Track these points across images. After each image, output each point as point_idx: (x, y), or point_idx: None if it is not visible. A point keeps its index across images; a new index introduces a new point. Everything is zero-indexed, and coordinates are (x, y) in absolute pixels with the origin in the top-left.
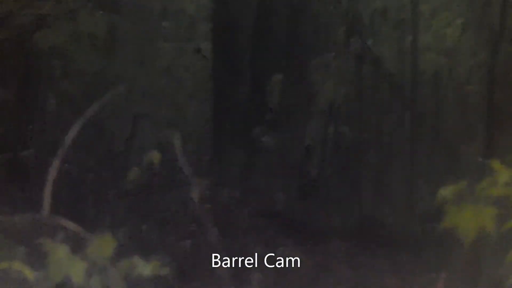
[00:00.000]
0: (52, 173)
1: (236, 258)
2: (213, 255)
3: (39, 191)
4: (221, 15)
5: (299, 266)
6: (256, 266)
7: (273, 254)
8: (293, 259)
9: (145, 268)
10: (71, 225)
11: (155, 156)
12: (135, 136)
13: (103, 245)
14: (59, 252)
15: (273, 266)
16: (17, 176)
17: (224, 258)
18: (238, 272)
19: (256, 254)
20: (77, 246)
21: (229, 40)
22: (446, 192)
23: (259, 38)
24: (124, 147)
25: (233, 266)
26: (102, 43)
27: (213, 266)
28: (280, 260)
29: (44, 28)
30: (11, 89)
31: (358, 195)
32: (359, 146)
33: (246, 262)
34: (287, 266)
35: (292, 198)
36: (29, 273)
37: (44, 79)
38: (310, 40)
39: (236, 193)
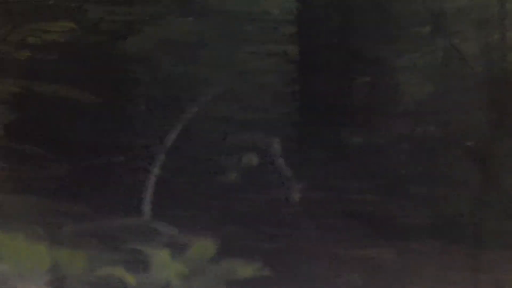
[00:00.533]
0: (152, 178)
1: (329, 259)
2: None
3: (134, 197)
4: (306, 17)
5: (390, 266)
6: (348, 266)
7: (364, 254)
8: (384, 259)
9: (245, 270)
10: (171, 230)
11: (253, 158)
12: (226, 139)
13: (202, 248)
14: (161, 256)
15: (365, 266)
16: (109, 182)
17: (318, 259)
18: (331, 272)
19: (347, 255)
20: (177, 250)
21: (315, 43)
22: None
23: (345, 39)
24: (216, 150)
25: (326, 267)
26: (189, 48)
27: (309, 267)
28: (372, 260)
29: (133, 34)
30: (101, 94)
31: (446, 194)
32: (446, 145)
33: (338, 262)
34: (378, 266)
35: (382, 198)
36: (131, 278)
37: (133, 84)
38: (396, 39)
39: (325, 194)
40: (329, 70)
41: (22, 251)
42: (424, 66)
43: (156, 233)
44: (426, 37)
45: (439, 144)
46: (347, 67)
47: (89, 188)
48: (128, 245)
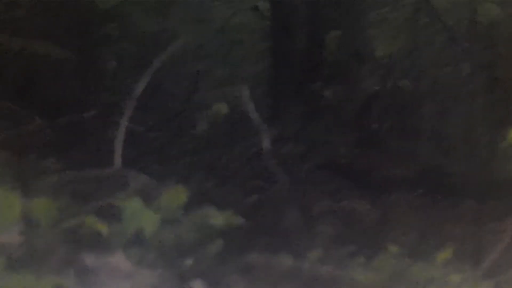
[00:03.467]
0: (121, 129)
1: (302, 211)
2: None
3: (106, 150)
4: None
5: (363, 217)
6: (321, 218)
7: (337, 206)
8: (357, 211)
9: (218, 218)
10: (142, 178)
11: (222, 107)
12: (195, 92)
13: (174, 196)
14: (132, 205)
15: (338, 218)
16: (81, 137)
17: (291, 211)
18: (305, 224)
19: (321, 206)
20: (148, 198)
21: None
22: None
23: None
24: (186, 103)
25: (300, 218)
26: (159, 3)
27: (281, 219)
28: (346, 212)
29: None
30: (71, 50)
31: (418, 146)
32: (417, 98)
33: (312, 214)
34: (353, 218)
35: (353, 151)
36: (103, 227)
37: (104, 40)
38: None
39: (298, 147)
40: (301, 25)
41: None
42: (395, 20)
43: (127, 183)
44: None
45: (410, 98)
46: (318, 22)
47: (60, 142)
48: (99, 195)
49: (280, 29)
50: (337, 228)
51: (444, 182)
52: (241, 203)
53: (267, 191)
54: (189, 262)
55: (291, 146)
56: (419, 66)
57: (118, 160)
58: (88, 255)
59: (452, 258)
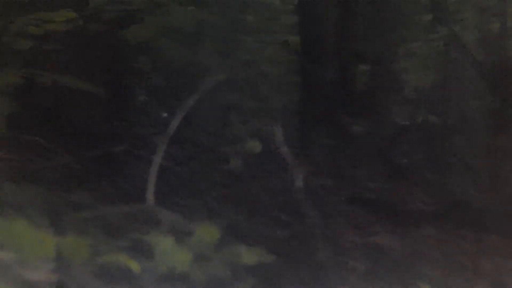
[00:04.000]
0: (154, 166)
1: (332, 246)
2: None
3: (137, 185)
4: (307, 7)
5: (392, 252)
6: (351, 253)
7: (367, 241)
8: (386, 246)
9: (249, 255)
10: (174, 215)
11: (255, 145)
12: (226, 127)
13: (206, 234)
14: (164, 243)
15: (368, 253)
16: (112, 171)
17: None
18: (335, 260)
19: (350, 241)
20: (181, 236)
21: (316, 32)
22: None
23: (345, 28)
24: (219, 138)
25: (330, 254)
26: (190, 37)
27: (312, 254)
28: (376, 246)
29: (134, 23)
30: (101, 84)
31: (446, 180)
32: (446, 132)
33: (342, 250)
34: (382, 253)
35: (382, 184)
36: (135, 265)
37: (135, 73)
38: (397, 28)
39: (327, 181)
40: (330, 59)
41: (25, 239)
42: (424, 55)
43: (158, 219)
44: (427, 25)
45: (439, 132)
46: (348, 56)
47: (92, 177)
48: (131, 232)
49: (310, 63)
50: (366, 263)
51: (472, 216)
52: (272, 239)
53: (297, 226)
54: None
55: (320, 180)
56: (448, 100)
57: (150, 196)
58: None
59: None
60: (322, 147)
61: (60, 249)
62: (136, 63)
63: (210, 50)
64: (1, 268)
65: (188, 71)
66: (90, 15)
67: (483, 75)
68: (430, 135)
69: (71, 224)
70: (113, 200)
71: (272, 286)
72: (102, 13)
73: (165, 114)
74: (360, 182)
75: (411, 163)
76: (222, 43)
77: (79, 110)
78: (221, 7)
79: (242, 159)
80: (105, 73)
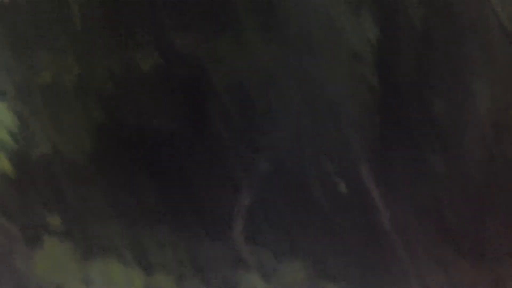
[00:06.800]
0: (241, 204)
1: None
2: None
3: (223, 223)
4: (385, 46)
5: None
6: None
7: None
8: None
9: None
10: (261, 253)
11: (342, 186)
12: (313, 167)
13: (293, 272)
14: (251, 279)
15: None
16: (197, 209)
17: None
18: None
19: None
20: (267, 273)
21: (394, 70)
22: None
23: (424, 67)
24: (303, 177)
25: None
26: (273, 76)
27: None
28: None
29: (218, 65)
30: (188, 125)
31: None
32: None
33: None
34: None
35: (466, 221)
36: None
37: (219, 114)
38: (474, 62)
39: (413, 218)
40: (409, 97)
41: (115, 276)
42: (502, 91)
43: (246, 258)
44: (502, 62)
45: None
46: (427, 93)
47: (178, 215)
48: (218, 269)
49: (390, 101)
50: None
51: None
52: (359, 277)
53: (384, 265)
54: None
55: (407, 218)
56: None
57: (237, 234)
58: None
59: None
60: (406, 185)
61: (148, 286)
62: (222, 104)
63: (294, 90)
64: None
65: (273, 111)
66: (174, 57)
67: None
68: (510, 171)
69: (158, 261)
70: (199, 238)
71: None
72: (187, 55)
73: (254, 154)
74: (445, 218)
75: (495, 199)
76: (305, 82)
77: (164, 149)
78: (303, 46)
79: (330, 198)
80: (191, 114)
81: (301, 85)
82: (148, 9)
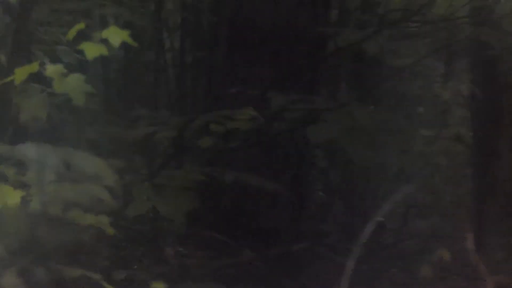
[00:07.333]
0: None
1: None
2: None
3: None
4: (478, 100)
5: None
6: None
7: None
8: None
9: None
10: None
11: (444, 251)
12: (406, 224)
13: None
14: None
15: None
16: (290, 270)
17: None
18: None
19: None
20: None
21: (487, 125)
22: None
23: None
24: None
25: None
26: (368, 135)
27: None
28: None
29: (314, 122)
30: (283, 182)
31: None
32: None
33: None
34: None
35: None
36: None
37: (312, 171)
38: None
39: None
40: (501, 152)
41: None
42: None
43: None
44: None
45: None
46: None
47: (274, 276)
48: None
49: (482, 156)
50: None
51: None
52: None
53: None
54: None
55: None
56: None
57: None
58: None
59: None
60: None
61: None
62: (316, 161)
63: (387, 146)
64: None
65: (366, 169)
66: (272, 114)
67: None
68: None
69: None
70: None
71: None
72: (283, 111)
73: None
74: None
75: None
76: (398, 138)
77: (258, 207)
78: (396, 102)
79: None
80: (285, 171)
81: (394, 141)
82: (246, 67)
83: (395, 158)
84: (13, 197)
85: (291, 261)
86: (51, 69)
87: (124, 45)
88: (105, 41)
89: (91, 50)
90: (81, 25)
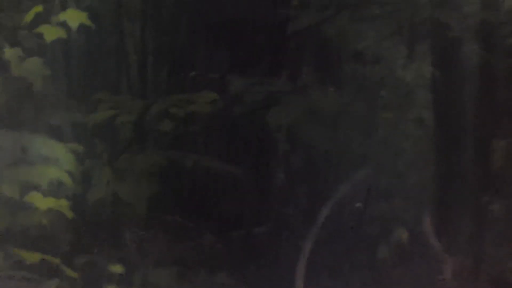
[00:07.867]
0: (305, 252)
1: None
2: None
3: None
4: (442, 84)
5: None
6: None
7: None
8: None
9: None
10: None
11: (403, 233)
12: (367, 207)
13: None
14: None
15: None
16: (255, 253)
17: None
18: None
19: None
20: None
21: (450, 108)
22: None
23: (481, 104)
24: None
25: None
26: (329, 118)
27: None
28: None
29: (274, 104)
30: (244, 166)
31: None
32: None
33: None
34: None
35: None
36: None
37: (273, 155)
38: None
39: (466, 262)
40: (465, 135)
41: None
42: None
43: None
44: None
45: None
46: (484, 132)
47: (232, 258)
48: None
49: (444, 140)
50: None
51: None
52: None
53: None
54: None
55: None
56: None
57: (298, 282)
58: None
59: None
60: (463, 228)
61: None
62: (277, 144)
63: (349, 130)
64: None
65: (328, 152)
66: (231, 97)
67: None
68: None
69: None
70: (257, 283)
71: None
72: (243, 94)
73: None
74: (500, 263)
75: None
76: (360, 122)
77: (219, 191)
78: (358, 85)
79: (389, 246)
80: (246, 155)
81: (356, 124)
82: (206, 51)
83: (358, 142)
84: None
85: (253, 245)
86: (9, 53)
87: (85, 29)
88: (64, 24)
89: (50, 33)
90: (38, 8)
